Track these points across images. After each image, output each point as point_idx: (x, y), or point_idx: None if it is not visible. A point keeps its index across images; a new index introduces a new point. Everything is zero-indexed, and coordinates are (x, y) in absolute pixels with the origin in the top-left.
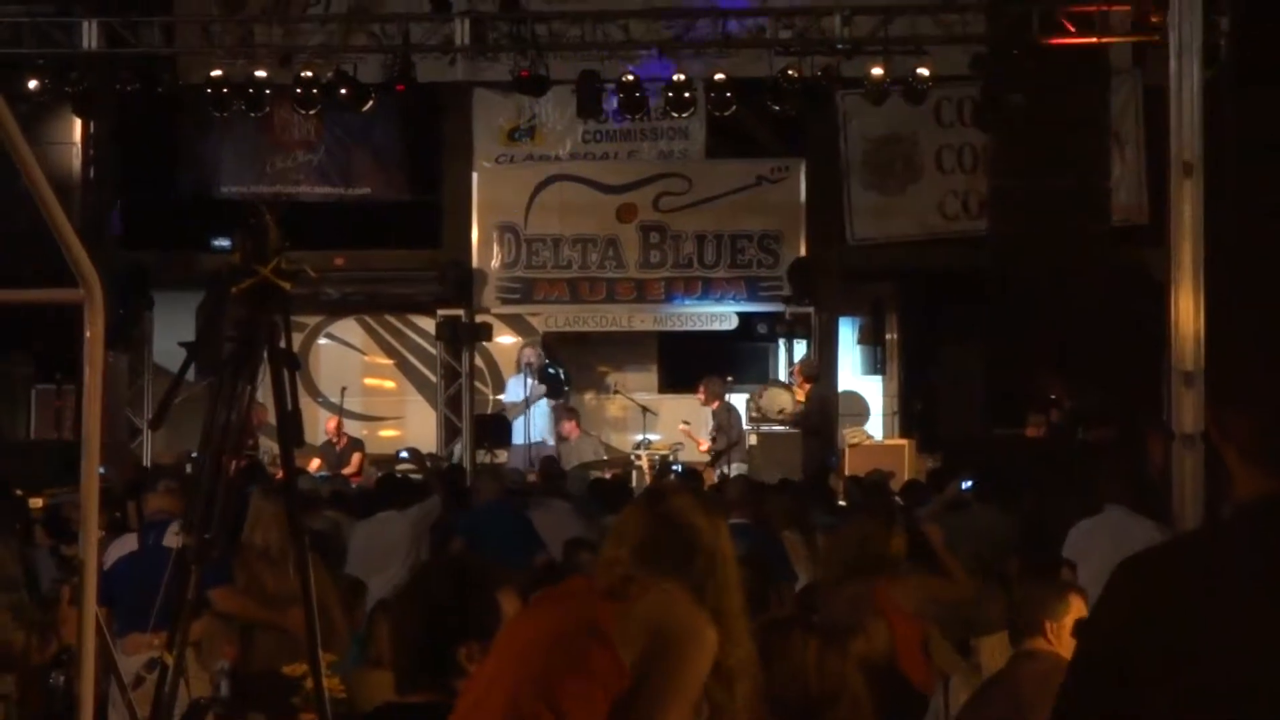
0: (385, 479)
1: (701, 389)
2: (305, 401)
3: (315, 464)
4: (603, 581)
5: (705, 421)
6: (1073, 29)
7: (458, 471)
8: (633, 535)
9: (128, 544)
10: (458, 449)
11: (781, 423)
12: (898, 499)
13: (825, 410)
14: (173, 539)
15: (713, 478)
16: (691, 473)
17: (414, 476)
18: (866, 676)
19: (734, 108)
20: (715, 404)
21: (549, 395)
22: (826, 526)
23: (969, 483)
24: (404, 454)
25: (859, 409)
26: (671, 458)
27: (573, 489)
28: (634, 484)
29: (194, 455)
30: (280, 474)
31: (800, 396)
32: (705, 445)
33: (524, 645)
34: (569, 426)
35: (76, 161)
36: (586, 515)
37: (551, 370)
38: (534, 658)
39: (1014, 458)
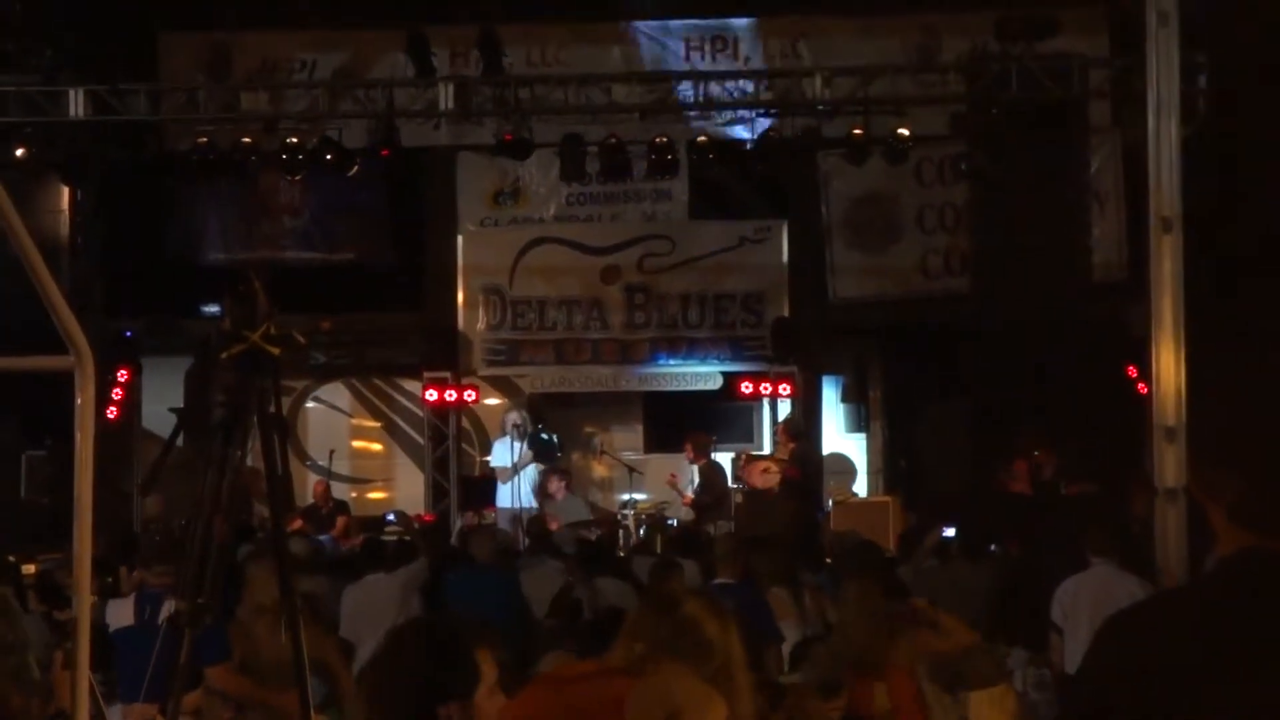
0: (370, 542)
1: (688, 446)
2: (293, 465)
3: (297, 525)
4: (619, 660)
5: (691, 478)
6: (1052, 87)
7: (440, 530)
8: (647, 637)
9: (124, 612)
10: (454, 516)
11: (771, 489)
12: (889, 552)
13: (809, 469)
14: (167, 612)
15: (700, 533)
16: (692, 534)
17: (404, 538)
18: None
19: (716, 169)
20: (702, 461)
21: (539, 460)
22: (814, 584)
23: (951, 530)
24: (391, 516)
25: (845, 469)
26: (662, 514)
27: (564, 549)
28: (621, 543)
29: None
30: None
31: (783, 455)
32: (688, 499)
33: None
34: (556, 484)
35: (64, 229)
36: (574, 575)
37: (545, 436)
38: None
39: (998, 513)
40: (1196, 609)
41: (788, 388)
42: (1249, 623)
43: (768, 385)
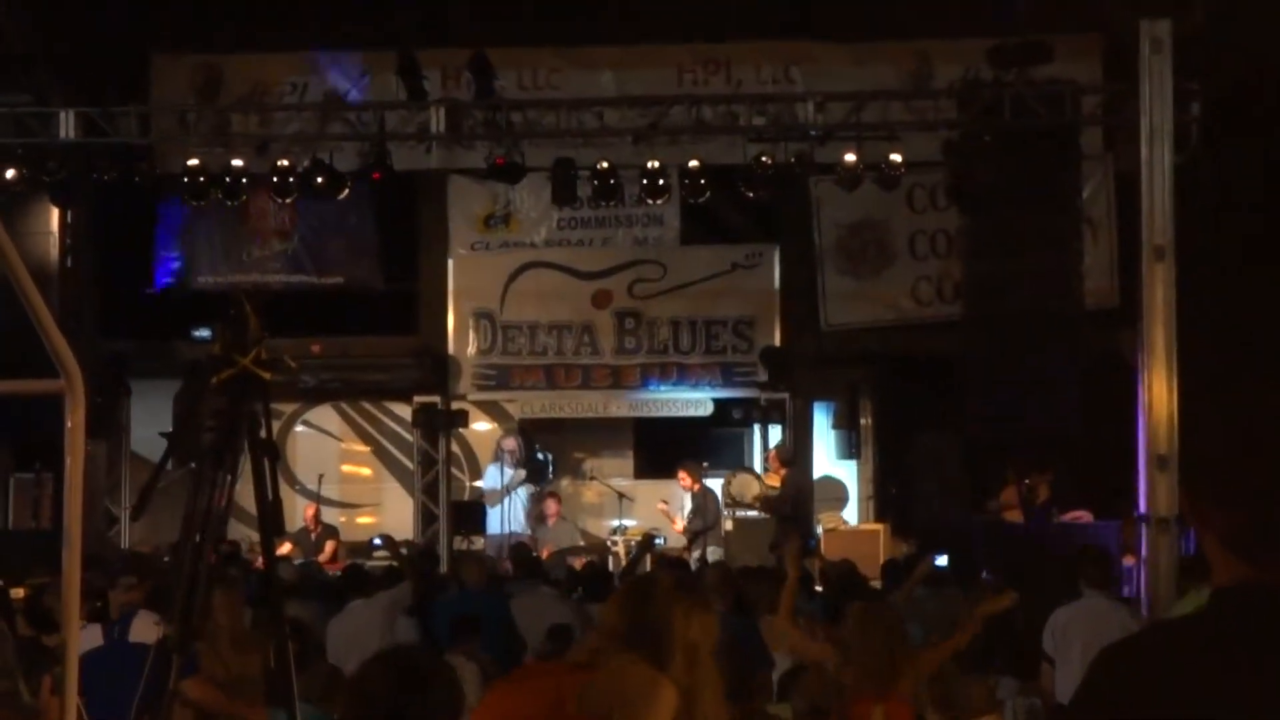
0: (350, 569)
1: (682, 473)
2: (283, 489)
3: (286, 548)
4: (573, 657)
5: (683, 505)
6: (1044, 114)
7: (428, 556)
8: (612, 628)
9: (92, 637)
10: (443, 541)
11: (754, 509)
12: (875, 583)
13: (800, 495)
14: (140, 630)
15: (690, 560)
16: (675, 561)
17: (391, 564)
18: None
19: (708, 194)
20: (696, 487)
21: (530, 480)
22: (806, 612)
23: (942, 558)
24: (377, 541)
25: (837, 494)
26: (650, 538)
27: (554, 574)
28: (611, 569)
29: (174, 544)
30: (260, 562)
31: (775, 482)
32: (680, 526)
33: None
34: (552, 506)
35: (54, 251)
36: (568, 601)
37: (540, 456)
38: None
39: (990, 541)
40: (1193, 642)
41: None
42: (1245, 658)
43: (758, 412)
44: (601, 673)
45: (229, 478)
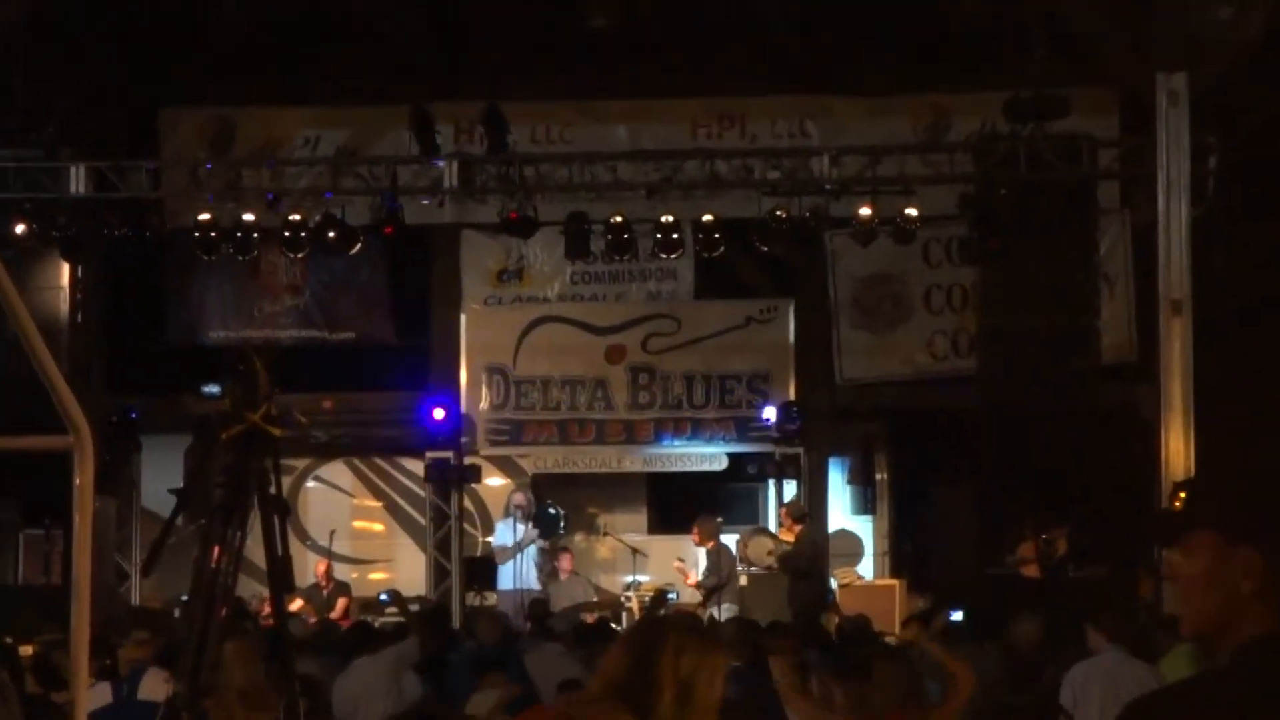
0: (356, 626)
1: (696, 530)
2: (294, 544)
3: (297, 604)
4: (554, 706)
5: (698, 561)
6: (1060, 168)
7: (441, 613)
8: (613, 671)
9: (101, 695)
10: (455, 597)
11: (770, 568)
12: (891, 638)
13: (814, 551)
14: (149, 687)
15: (705, 616)
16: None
17: (398, 619)
18: None
19: (722, 248)
20: (710, 544)
21: (543, 536)
22: (822, 667)
23: (958, 613)
24: (384, 597)
25: (853, 549)
26: (663, 593)
27: (559, 629)
28: (622, 625)
29: (183, 599)
30: (270, 618)
31: (788, 537)
32: (693, 580)
33: None
34: (565, 561)
35: (64, 306)
36: (578, 657)
37: (552, 511)
38: None
39: (1006, 597)
40: (1222, 694)
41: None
42: (1273, 708)
43: (773, 467)
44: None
45: (238, 534)
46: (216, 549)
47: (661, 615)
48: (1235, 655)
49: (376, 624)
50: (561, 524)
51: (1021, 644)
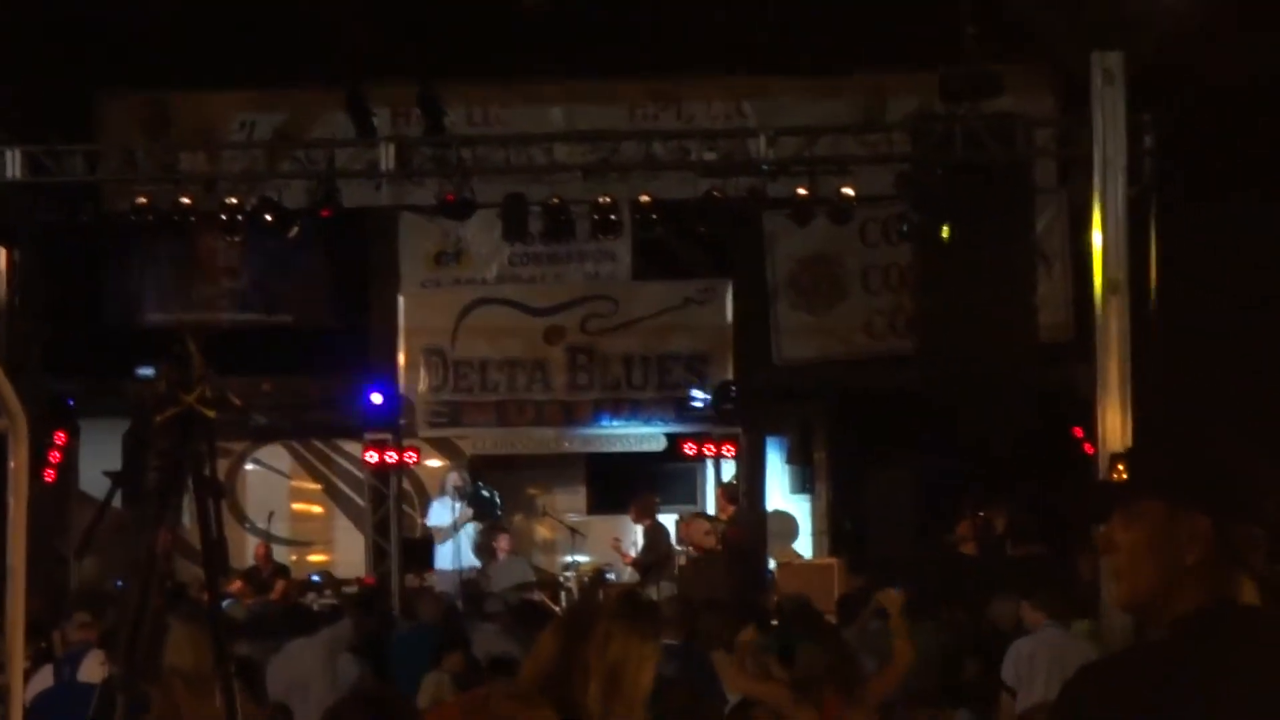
0: (292, 608)
1: (633, 508)
2: (233, 527)
3: (235, 586)
4: (463, 699)
5: (636, 540)
6: (997, 147)
7: (374, 594)
8: (538, 657)
9: (44, 679)
10: (394, 578)
11: (710, 550)
12: (831, 617)
13: (749, 530)
14: (91, 670)
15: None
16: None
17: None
18: None
19: (660, 229)
20: (646, 522)
21: (479, 518)
22: (758, 647)
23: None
24: (316, 578)
25: (787, 527)
26: (601, 573)
27: (492, 609)
28: (562, 605)
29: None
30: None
31: (723, 517)
32: (630, 558)
33: None
34: (503, 541)
35: (0, 290)
36: (515, 637)
37: (485, 493)
38: None
39: (944, 575)
40: (1165, 668)
41: (731, 449)
42: (1217, 672)
43: (711, 447)
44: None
45: (173, 517)
46: (152, 532)
47: (595, 600)
48: (1176, 627)
49: (315, 606)
50: (498, 506)
51: (1001, 623)
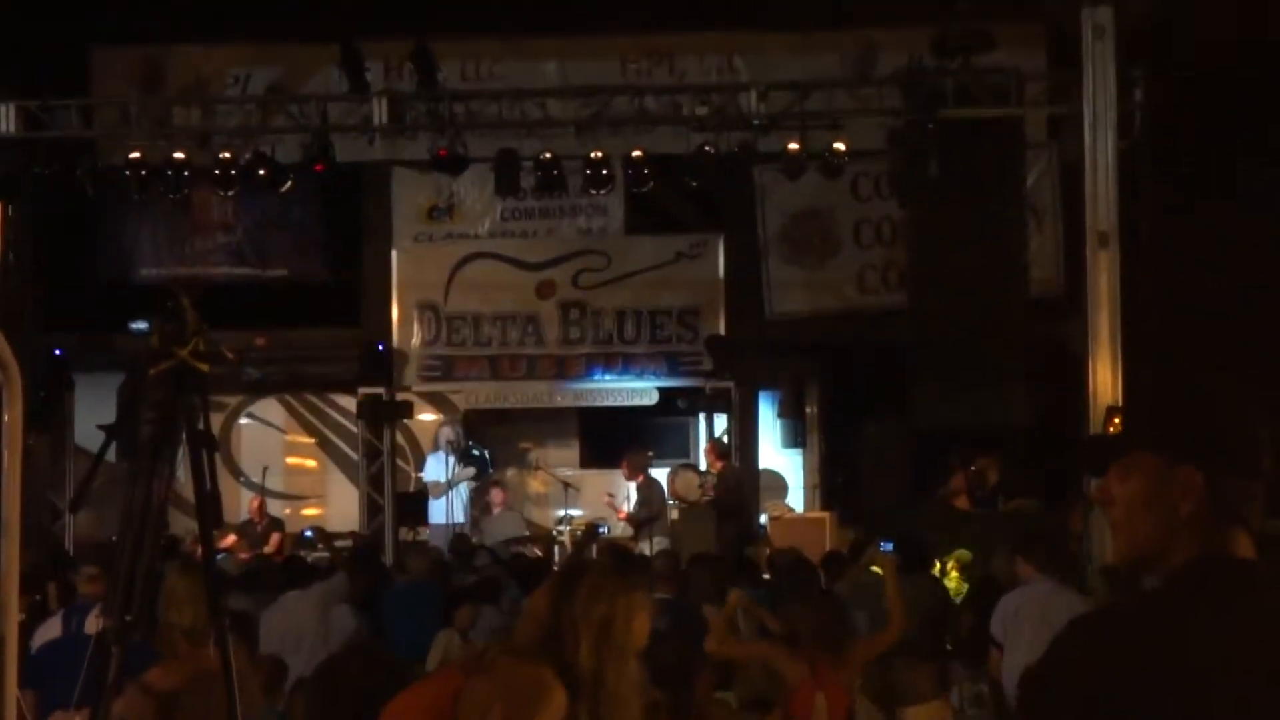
0: (289, 561)
1: (624, 464)
2: (227, 481)
3: (230, 540)
4: (462, 657)
5: (629, 495)
6: (988, 102)
7: (372, 551)
8: (532, 615)
9: (52, 629)
10: (388, 532)
11: (697, 502)
12: (820, 571)
13: (739, 485)
14: (94, 623)
15: (636, 550)
16: (622, 548)
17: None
18: None
19: (652, 184)
20: (639, 477)
21: (475, 477)
22: (750, 601)
23: (888, 545)
24: (309, 533)
25: (776, 485)
26: (594, 527)
27: (480, 563)
28: (556, 559)
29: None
30: (199, 553)
31: (714, 472)
32: (623, 514)
33: None
34: (497, 495)
35: None
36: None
37: (476, 452)
38: None
39: (936, 528)
40: (1156, 619)
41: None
42: (1216, 629)
43: (703, 402)
44: (482, 676)
45: (167, 470)
46: (146, 485)
47: (583, 557)
48: (1170, 579)
49: (310, 559)
50: (489, 464)
51: (1003, 579)
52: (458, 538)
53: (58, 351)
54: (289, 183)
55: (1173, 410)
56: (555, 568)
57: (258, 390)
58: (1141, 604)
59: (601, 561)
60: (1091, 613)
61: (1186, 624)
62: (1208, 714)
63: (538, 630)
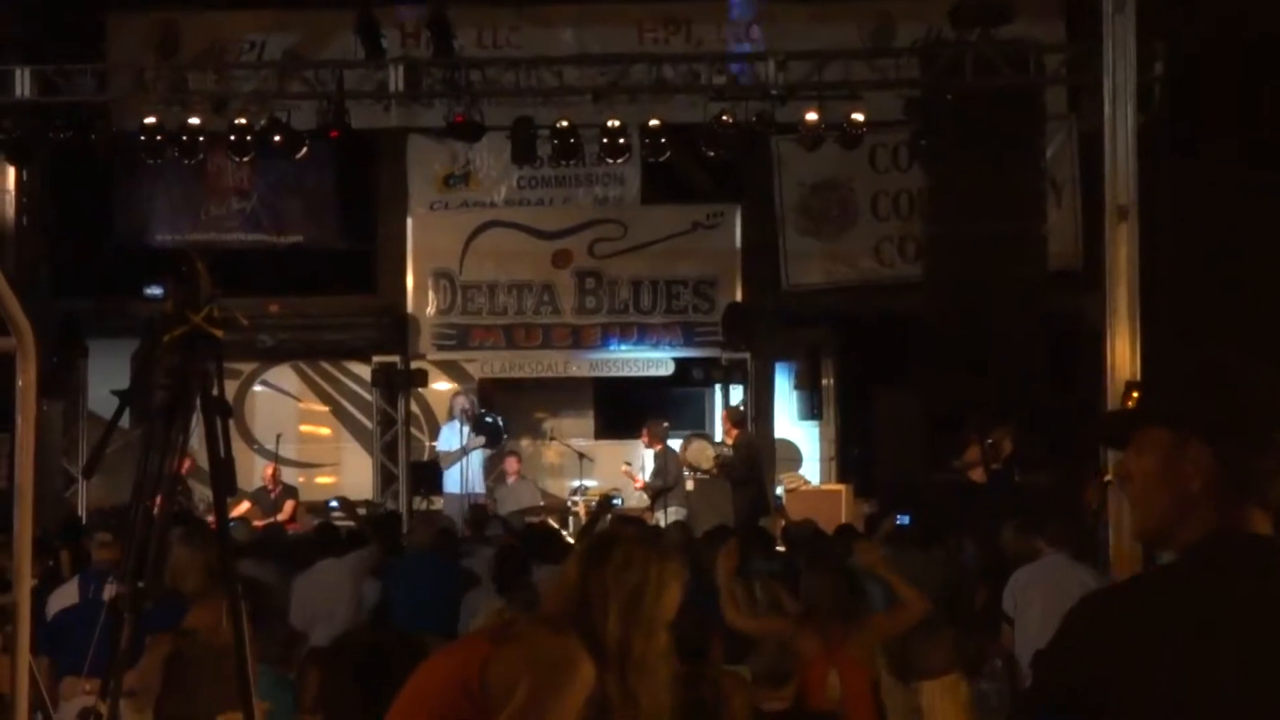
0: (323, 527)
1: (645, 432)
2: (240, 448)
3: (244, 508)
4: (489, 627)
5: (645, 465)
6: (1007, 73)
7: (393, 519)
8: (561, 586)
9: (69, 595)
10: (402, 501)
11: (711, 474)
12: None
13: (753, 456)
14: (109, 590)
15: (652, 520)
16: (637, 520)
17: (346, 524)
18: None
19: (669, 153)
20: (659, 446)
21: (488, 445)
22: (766, 573)
23: (904, 518)
24: (334, 503)
25: (791, 455)
26: (608, 498)
27: (493, 533)
28: (570, 530)
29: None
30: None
31: (729, 441)
32: (640, 483)
33: (407, 700)
34: (512, 464)
35: (9, 210)
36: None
37: (489, 420)
38: (415, 712)
39: (952, 502)
40: (1169, 594)
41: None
42: (1225, 605)
43: (719, 372)
44: (510, 645)
45: (181, 436)
46: (159, 451)
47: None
48: (1184, 553)
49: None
50: (503, 433)
51: (1011, 551)
52: (475, 508)
53: (78, 321)
54: (304, 149)
55: (1184, 385)
56: (571, 538)
57: (272, 357)
58: (1153, 579)
59: (634, 530)
60: (1102, 589)
61: (1195, 600)
62: (1215, 689)
63: (566, 599)
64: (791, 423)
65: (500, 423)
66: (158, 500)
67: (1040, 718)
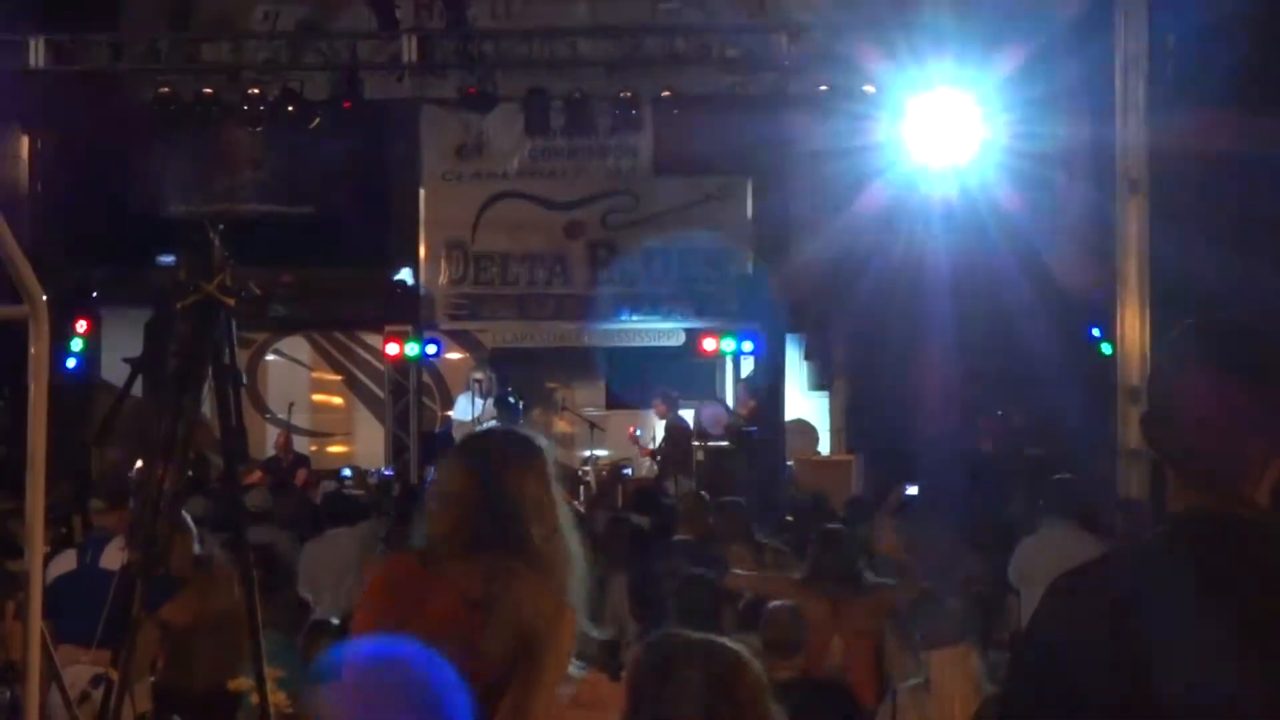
0: (333, 496)
1: (658, 401)
2: (253, 417)
3: (255, 476)
4: (464, 588)
5: (655, 434)
6: None
7: (410, 491)
8: (460, 492)
9: (67, 561)
10: (413, 471)
11: (723, 439)
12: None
13: (769, 427)
14: (112, 556)
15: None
16: (650, 490)
17: (356, 494)
18: (813, 692)
19: (681, 124)
20: (670, 415)
21: (500, 420)
22: (775, 543)
23: (913, 489)
24: (346, 473)
25: (806, 431)
26: (619, 468)
27: None
28: (580, 499)
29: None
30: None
31: (743, 412)
32: (647, 450)
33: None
34: None
35: (23, 179)
36: None
37: (512, 400)
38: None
39: (961, 471)
40: (1149, 567)
41: (750, 345)
42: (1200, 581)
43: (730, 342)
44: (499, 611)
45: (193, 404)
46: (171, 418)
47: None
48: (1163, 527)
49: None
50: (520, 414)
51: (1021, 524)
52: None
53: (92, 290)
54: (317, 119)
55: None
56: (580, 508)
57: (284, 327)
58: (1136, 551)
59: (499, 440)
60: (1087, 561)
61: (1178, 571)
62: (1194, 659)
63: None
64: (802, 394)
65: (521, 406)
66: (168, 467)
67: (1027, 697)
